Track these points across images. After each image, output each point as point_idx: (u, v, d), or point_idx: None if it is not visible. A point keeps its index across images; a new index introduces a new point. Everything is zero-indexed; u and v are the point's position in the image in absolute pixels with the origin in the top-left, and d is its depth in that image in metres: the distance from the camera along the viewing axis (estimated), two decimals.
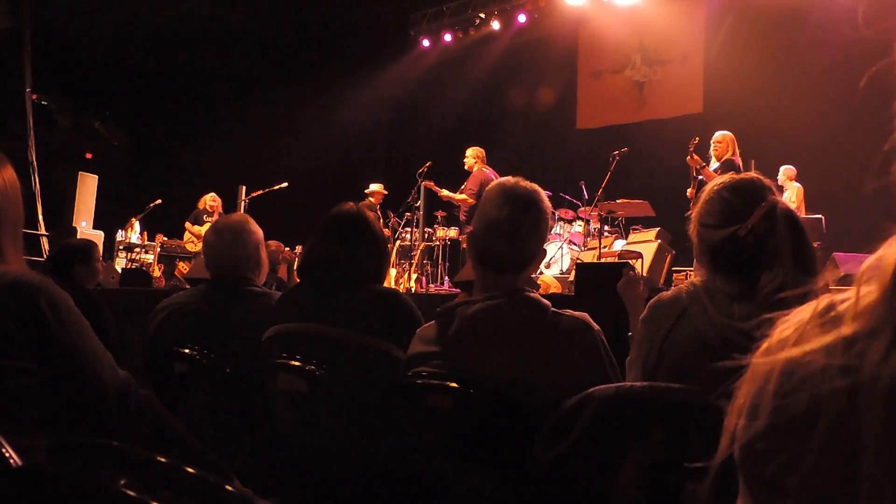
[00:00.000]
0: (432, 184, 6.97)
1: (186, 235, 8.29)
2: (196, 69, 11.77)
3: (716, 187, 1.47)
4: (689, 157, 5.52)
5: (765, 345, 0.44)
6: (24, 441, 0.83)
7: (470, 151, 6.87)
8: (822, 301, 0.44)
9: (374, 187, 7.84)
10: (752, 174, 1.48)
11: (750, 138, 5.81)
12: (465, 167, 6.80)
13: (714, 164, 5.46)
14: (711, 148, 5.55)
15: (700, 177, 5.48)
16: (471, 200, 6.47)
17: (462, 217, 6.80)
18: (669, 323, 1.36)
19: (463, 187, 6.70)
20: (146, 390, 1.31)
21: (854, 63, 7.18)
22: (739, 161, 5.40)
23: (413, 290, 7.00)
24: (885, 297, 0.39)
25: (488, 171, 6.66)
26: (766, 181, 1.46)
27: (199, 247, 8.07)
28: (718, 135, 5.54)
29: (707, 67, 8.88)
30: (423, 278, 7.44)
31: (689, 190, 5.68)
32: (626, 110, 9.64)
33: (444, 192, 6.82)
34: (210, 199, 8.30)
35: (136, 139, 13.21)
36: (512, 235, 1.51)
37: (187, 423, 1.39)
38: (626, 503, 1.12)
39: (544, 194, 1.60)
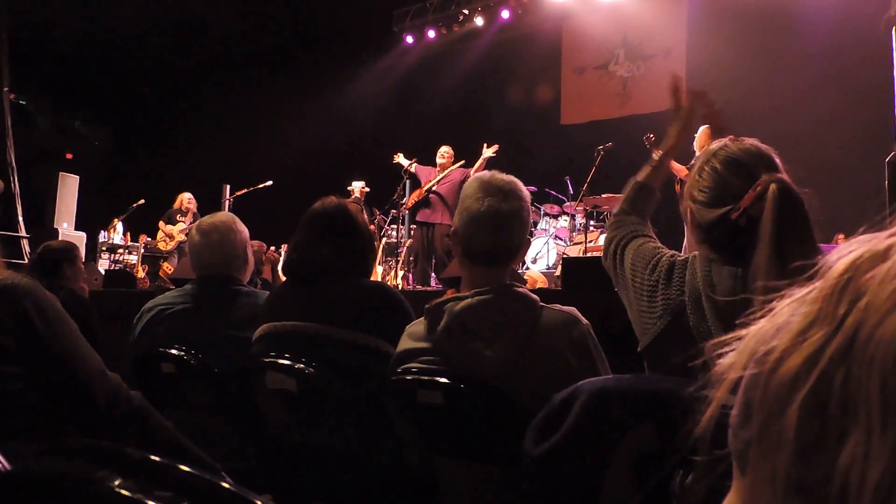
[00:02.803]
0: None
1: (159, 235, 8.21)
2: (178, 67, 11.66)
3: (709, 156, 1.34)
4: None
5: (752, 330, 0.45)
6: (13, 446, 0.82)
7: (449, 149, 6.88)
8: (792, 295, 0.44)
9: (357, 185, 7.81)
10: (752, 141, 1.34)
11: (733, 132, 5.85)
12: (441, 163, 6.79)
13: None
14: (694, 143, 5.61)
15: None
16: None
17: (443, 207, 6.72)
18: (664, 321, 1.33)
19: (448, 180, 6.67)
20: (137, 392, 1.30)
21: (836, 55, 7.27)
22: None
23: (400, 287, 6.99)
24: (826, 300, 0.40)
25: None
26: (765, 149, 1.32)
27: (170, 245, 8.01)
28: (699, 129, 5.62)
29: (690, 62, 8.93)
30: (410, 275, 7.43)
31: (676, 186, 5.75)
32: (610, 105, 9.68)
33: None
34: (187, 199, 8.20)
35: (118, 139, 13.07)
36: (495, 227, 1.51)
37: (176, 424, 1.38)
38: (617, 495, 1.13)
39: (522, 184, 1.60)
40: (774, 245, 1.15)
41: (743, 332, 0.44)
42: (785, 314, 0.42)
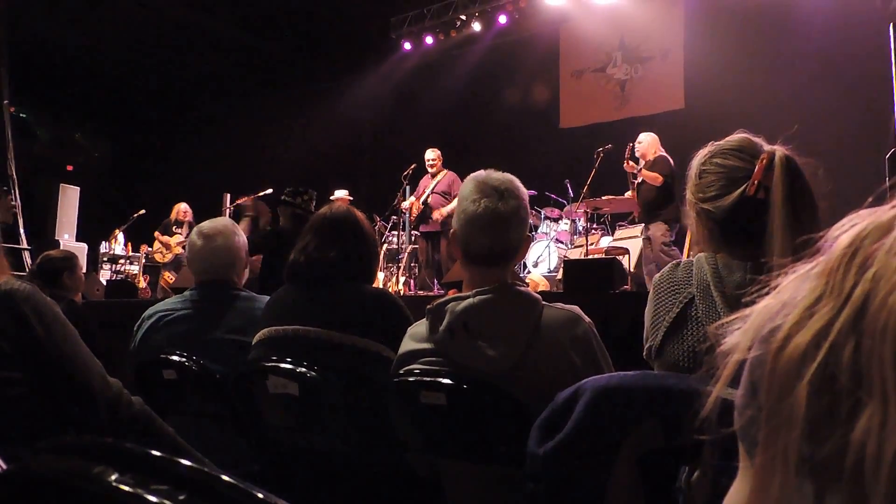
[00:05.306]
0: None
1: (155, 245, 8.20)
2: (176, 76, 11.69)
3: (703, 159, 1.35)
4: (625, 164, 5.77)
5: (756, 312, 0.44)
6: (13, 452, 0.81)
7: (436, 153, 6.89)
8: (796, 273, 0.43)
9: (339, 194, 7.80)
10: (739, 134, 1.35)
11: (732, 132, 5.87)
12: (431, 168, 6.83)
13: (641, 164, 5.76)
14: (636, 150, 5.83)
15: (638, 180, 5.73)
16: None
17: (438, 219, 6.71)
18: (673, 314, 1.29)
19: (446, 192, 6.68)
20: (138, 397, 1.29)
21: (833, 53, 7.27)
22: (668, 155, 5.78)
23: (402, 293, 6.98)
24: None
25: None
26: (755, 138, 1.33)
27: (167, 257, 8.01)
28: (641, 136, 5.89)
29: (688, 63, 8.93)
30: (412, 281, 7.42)
31: (629, 193, 5.93)
32: (608, 108, 9.67)
33: (445, 211, 6.59)
34: (183, 210, 8.21)
35: (118, 149, 13.09)
36: (492, 227, 1.50)
37: (178, 430, 1.38)
38: (622, 493, 1.12)
39: (518, 182, 1.58)
40: (789, 209, 1.16)
41: (747, 311, 0.43)
42: (790, 290, 0.42)
